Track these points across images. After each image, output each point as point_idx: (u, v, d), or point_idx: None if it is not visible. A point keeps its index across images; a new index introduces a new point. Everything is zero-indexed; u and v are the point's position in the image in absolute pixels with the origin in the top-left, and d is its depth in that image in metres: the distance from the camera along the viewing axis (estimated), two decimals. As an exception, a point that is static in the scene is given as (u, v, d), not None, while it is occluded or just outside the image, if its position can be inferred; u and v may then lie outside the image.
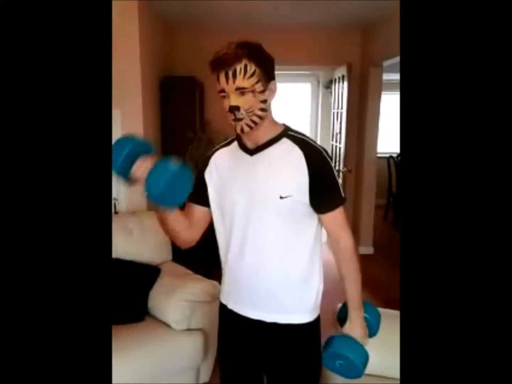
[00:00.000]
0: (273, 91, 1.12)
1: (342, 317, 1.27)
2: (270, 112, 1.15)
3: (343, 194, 1.18)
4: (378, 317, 1.30)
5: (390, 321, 1.40)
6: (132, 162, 1.06)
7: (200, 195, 1.24)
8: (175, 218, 1.20)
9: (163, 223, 1.21)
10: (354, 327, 1.20)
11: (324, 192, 1.13)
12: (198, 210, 1.26)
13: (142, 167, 1.05)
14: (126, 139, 1.10)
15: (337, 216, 1.17)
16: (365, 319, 1.24)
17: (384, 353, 1.57)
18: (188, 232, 1.26)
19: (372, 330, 1.26)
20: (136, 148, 1.08)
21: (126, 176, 1.08)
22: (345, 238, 1.18)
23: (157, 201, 1.06)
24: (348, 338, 1.19)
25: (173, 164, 1.05)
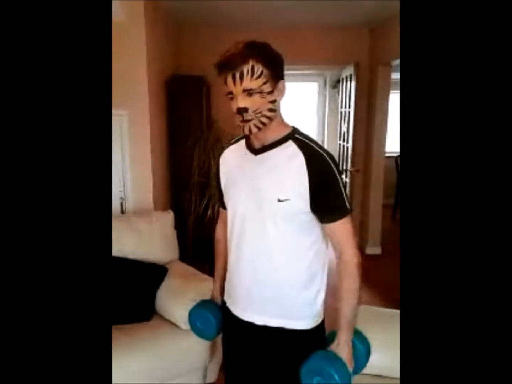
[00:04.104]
0: (282, 91, 1.10)
1: (331, 339, 1.17)
2: (279, 112, 1.14)
3: (348, 205, 1.11)
4: (368, 348, 1.21)
5: (398, 321, 1.39)
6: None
7: (224, 201, 1.29)
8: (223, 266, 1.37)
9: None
10: (342, 349, 1.11)
11: (325, 201, 1.09)
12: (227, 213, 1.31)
13: None
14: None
15: (340, 228, 1.11)
16: (355, 346, 1.15)
17: (392, 354, 1.56)
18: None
19: (360, 361, 1.17)
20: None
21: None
22: (347, 255, 1.11)
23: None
24: (333, 354, 1.10)
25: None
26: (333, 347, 1.13)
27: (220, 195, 1.31)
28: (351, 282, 1.12)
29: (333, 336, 1.17)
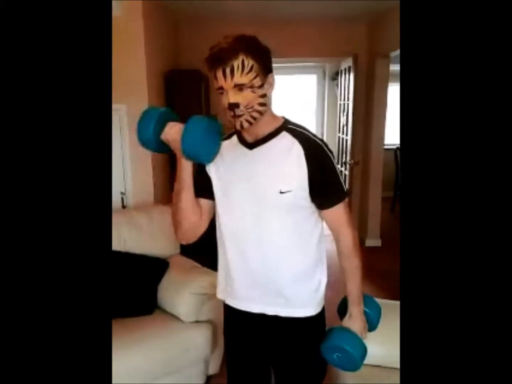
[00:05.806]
0: (272, 84, 1.10)
1: (342, 310, 1.27)
2: (269, 105, 1.13)
3: (345, 189, 1.16)
4: (378, 312, 1.30)
5: (397, 312, 1.40)
6: (160, 129, 1.13)
7: (202, 188, 1.21)
8: (191, 198, 1.17)
9: (179, 200, 1.17)
10: (354, 321, 1.20)
11: (323, 188, 1.12)
12: (202, 203, 1.22)
13: (173, 128, 1.10)
14: (152, 110, 1.18)
15: (337, 212, 1.16)
16: (365, 313, 1.23)
17: (393, 344, 1.58)
18: (193, 223, 1.22)
19: (371, 324, 1.26)
20: (162, 116, 1.15)
21: (156, 141, 1.14)
22: (345, 235, 1.17)
23: (196, 155, 1.11)
24: (347, 330, 1.19)
25: (203, 119, 1.11)
26: (346, 321, 1.21)
27: (200, 183, 1.20)
28: (351, 262, 1.19)
29: (343, 306, 1.26)
